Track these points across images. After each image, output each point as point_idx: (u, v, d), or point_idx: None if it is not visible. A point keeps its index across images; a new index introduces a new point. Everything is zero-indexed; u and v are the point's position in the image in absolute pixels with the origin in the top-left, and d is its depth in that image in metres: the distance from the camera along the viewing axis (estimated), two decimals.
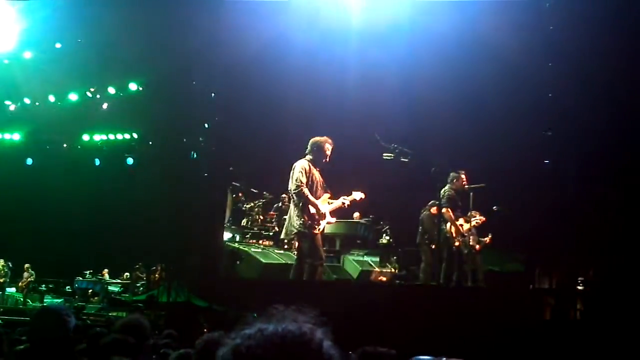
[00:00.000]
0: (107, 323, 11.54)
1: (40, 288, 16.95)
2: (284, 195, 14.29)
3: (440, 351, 3.87)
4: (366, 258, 14.15)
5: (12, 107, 19.20)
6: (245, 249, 14.28)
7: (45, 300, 16.53)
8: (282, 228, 11.96)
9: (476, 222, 11.70)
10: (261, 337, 1.44)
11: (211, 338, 3.76)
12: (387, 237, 13.86)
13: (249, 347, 1.43)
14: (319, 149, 10.74)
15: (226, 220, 15.52)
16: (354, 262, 13.95)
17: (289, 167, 11.06)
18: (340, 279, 13.15)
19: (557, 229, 11.19)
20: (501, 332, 9.18)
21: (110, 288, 16.69)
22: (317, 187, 10.83)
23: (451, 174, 11.67)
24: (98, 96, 18.50)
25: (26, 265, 17.08)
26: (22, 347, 4.06)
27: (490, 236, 11.91)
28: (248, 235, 15.20)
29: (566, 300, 10.20)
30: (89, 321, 12.93)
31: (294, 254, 12.69)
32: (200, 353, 3.65)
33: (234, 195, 15.92)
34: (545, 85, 11.90)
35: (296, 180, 10.62)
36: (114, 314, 14.28)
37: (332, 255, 13.76)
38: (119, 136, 19.24)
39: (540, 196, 11.76)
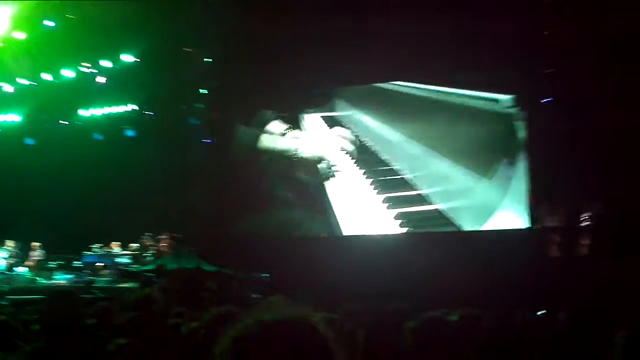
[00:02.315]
0: (114, 295, 11.56)
1: (49, 265, 16.99)
2: None
3: None
4: None
5: (9, 89, 19.16)
6: None
7: (55, 277, 16.57)
8: None
9: None
10: (261, 326, 1.46)
11: (219, 314, 3.70)
12: None
13: (251, 337, 1.46)
14: None
15: None
16: None
17: None
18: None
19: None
20: None
21: (120, 260, 16.70)
22: None
23: None
24: (93, 70, 18.40)
25: (35, 244, 17.12)
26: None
27: None
28: None
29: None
30: (100, 294, 12.95)
31: None
32: (208, 329, 3.59)
33: None
34: None
35: None
36: (125, 285, 14.31)
37: None
38: (118, 109, 19.13)
39: None
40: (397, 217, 12.05)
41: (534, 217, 11.38)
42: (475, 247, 11.13)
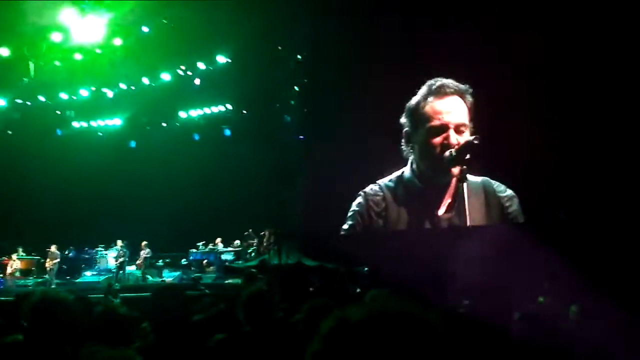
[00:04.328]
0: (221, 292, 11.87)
1: (157, 263, 17.58)
2: None
3: None
4: None
5: (110, 94, 19.83)
6: None
7: (163, 274, 17.14)
8: None
9: None
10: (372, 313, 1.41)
11: (315, 305, 3.79)
12: None
13: (362, 321, 1.40)
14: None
15: None
16: None
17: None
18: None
19: None
20: None
21: (224, 257, 17.11)
22: None
23: None
24: (189, 73, 18.84)
25: (143, 243, 17.70)
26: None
27: None
28: None
29: None
30: (207, 291, 13.35)
31: None
32: (305, 320, 3.68)
33: None
34: None
35: None
36: (230, 281, 14.68)
37: None
38: (214, 109, 19.56)
39: None
40: None
41: None
42: None
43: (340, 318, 1.42)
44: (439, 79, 10.94)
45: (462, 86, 10.77)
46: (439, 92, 10.88)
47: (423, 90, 11.02)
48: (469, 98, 10.83)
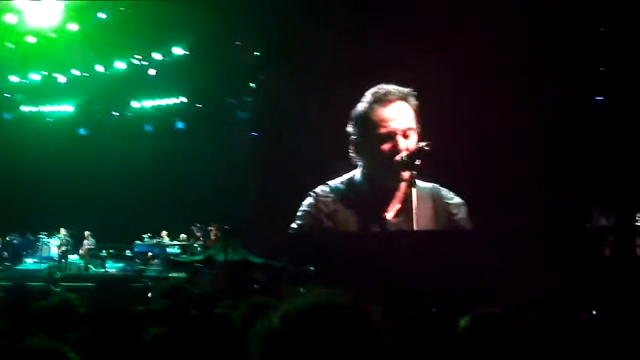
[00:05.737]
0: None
1: (101, 254, 17.39)
2: None
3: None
4: None
5: (62, 80, 19.49)
6: None
7: (106, 265, 16.93)
8: None
9: None
10: (309, 307, 1.43)
11: (255, 303, 3.76)
12: None
13: (297, 316, 1.42)
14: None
15: None
16: None
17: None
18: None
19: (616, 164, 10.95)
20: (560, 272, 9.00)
21: (169, 250, 17.01)
22: None
23: None
24: (145, 62, 18.63)
25: (86, 233, 17.52)
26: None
27: None
28: None
29: (626, 237, 9.97)
30: (149, 283, 13.22)
31: None
32: (244, 317, 3.65)
33: None
34: None
35: None
36: (175, 275, 14.54)
37: None
38: (168, 101, 19.38)
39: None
40: None
41: None
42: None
43: (276, 316, 1.43)
44: (382, 85, 10.88)
45: (405, 90, 10.71)
46: (383, 100, 10.77)
47: (367, 98, 10.89)
48: (413, 101, 10.79)
